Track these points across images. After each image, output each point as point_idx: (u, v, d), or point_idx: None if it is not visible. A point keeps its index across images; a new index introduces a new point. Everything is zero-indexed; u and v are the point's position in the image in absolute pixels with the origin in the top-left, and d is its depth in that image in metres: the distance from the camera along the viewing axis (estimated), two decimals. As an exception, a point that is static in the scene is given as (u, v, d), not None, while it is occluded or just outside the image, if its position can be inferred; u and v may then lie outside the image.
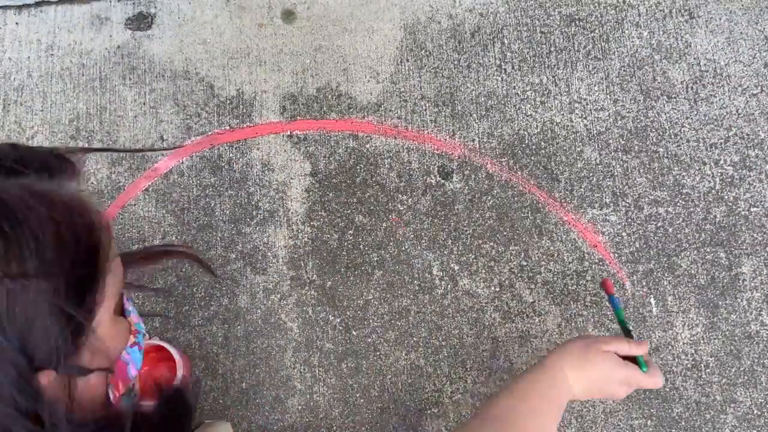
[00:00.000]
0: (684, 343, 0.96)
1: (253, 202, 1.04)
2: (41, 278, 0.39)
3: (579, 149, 1.04)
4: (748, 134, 1.03)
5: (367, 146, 1.06)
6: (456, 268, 1.00)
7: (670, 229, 1.00)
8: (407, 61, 1.09)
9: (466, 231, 1.02)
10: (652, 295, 0.98)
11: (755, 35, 1.07)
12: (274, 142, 1.07)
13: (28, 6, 1.14)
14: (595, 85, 1.06)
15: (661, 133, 1.04)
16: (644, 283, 0.98)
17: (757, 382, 0.95)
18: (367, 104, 1.07)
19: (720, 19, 1.08)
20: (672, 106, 1.05)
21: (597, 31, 1.08)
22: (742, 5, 1.08)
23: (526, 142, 1.04)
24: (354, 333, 0.99)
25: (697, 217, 1.00)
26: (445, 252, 1.01)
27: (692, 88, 1.05)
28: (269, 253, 1.02)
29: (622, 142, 1.04)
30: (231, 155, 1.06)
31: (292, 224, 1.03)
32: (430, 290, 0.99)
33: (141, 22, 1.13)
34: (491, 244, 1.01)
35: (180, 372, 0.89)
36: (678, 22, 1.08)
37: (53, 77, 1.11)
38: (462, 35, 1.10)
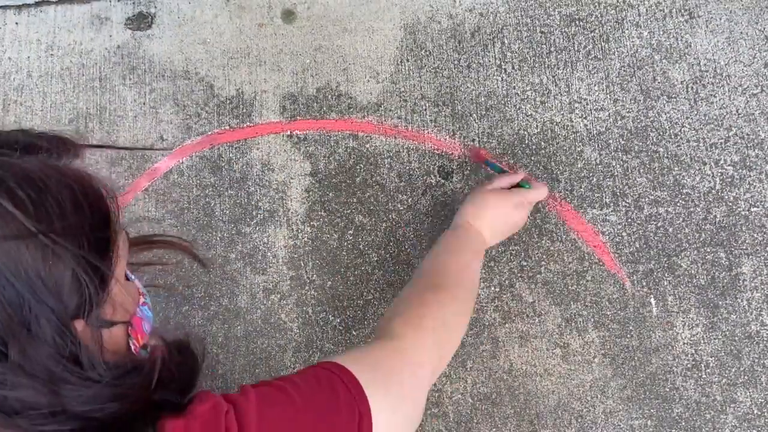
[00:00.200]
0: (684, 343, 0.96)
1: (253, 202, 1.04)
2: (68, 236, 0.45)
3: (579, 149, 1.04)
4: (748, 134, 1.03)
5: (367, 146, 1.06)
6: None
7: (670, 229, 1.00)
8: (407, 61, 1.09)
9: (466, 231, 1.02)
10: (652, 295, 0.98)
11: (755, 35, 1.07)
12: (274, 142, 1.07)
13: (28, 6, 1.14)
14: (595, 85, 1.06)
15: (661, 133, 1.04)
16: (644, 283, 0.98)
17: (758, 382, 0.95)
18: (367, 104, 1.07)
19: (720, 18, 1.08)
20: (672, 106, 1.05)
21: (597, 31, 1.08)
22: (743, 5, 1.08)
23: (526, 142, 1.04)
24: (354, 333, 0.99)
25: (697, 217, 1.00)
26: (445, 252, 1.01)
27: (692, 88, 1.05)
28: (269, 253, 1.02)
29: (622, 142, 1.04)
30: (231, 155, 1.06)
31: (292, 224, 1.03)
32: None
33: (141, 22, 1.13)
34: (491, 244, 1.00)
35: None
36: (678, 22, 1.08)
37: (53, 77, 1.11)
38: (462, 35, 1.09)
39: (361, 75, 1.09)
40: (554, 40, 1.09)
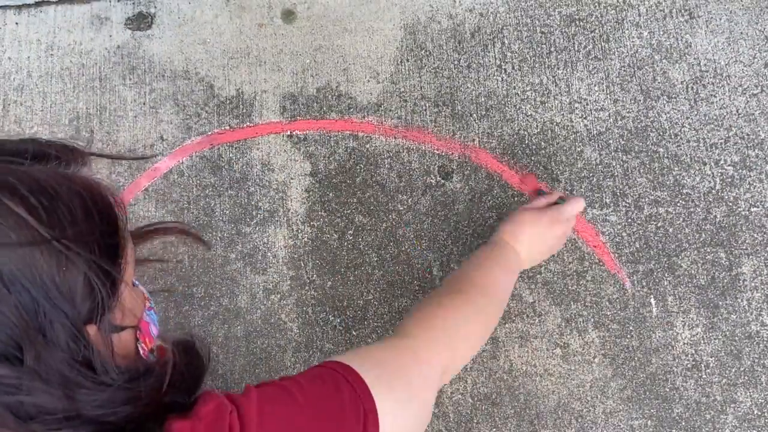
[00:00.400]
0: (684, 344, 0.96)
1: (253, 202, 1.04)
2: (80, 242, 0.46)
3: (579, 149, 1.04)
4: (748, 134, 1.03)
5: (367, 146, 1.06)
6: (456, 268, 1.00)
7: (671, 229, 1.00)
8: (407, 61, 1.09)
9: (466, 231, 1.02)
10: (652, 295, 0.98)
11: (755, 35, 1.07)
12: (274, 142, 1.07)
13: (28, 6, 1.14)
14: (595, 85, 1.06)
15: (661, 133, 1.04)
16: (644, 283, 0.98)
17: (758, 383, 0.94)
18: (367, 104, 1.07)
19: (720, 19, 1.08)
20: (672, 106, 1.05)
21: (597, 31, 1.08)
22: (743, 5, 1.08)
23: (526, 142, 1.04)
24: (354, 333, 0.99)
25: (698, 217, 1.00)
26: (445, 252, 1.01)
27: (692, 88, 1.05)
28: (269, 253, 1.02)
29: (622, 142, 1.04)
30: (231, 155, 1.06)
31: (292, 224, 1.03)
32: (430, 290, 0.99)
33: (141, 22, 1.13)
34: (491, 244, 1.00)
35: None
36: (678, 22, 1.08)
37: (53, 77, 1.11)
38: (462, 35, 1.09)
39: (361, 75, 1.09)
40: (554, 40, 1.09)
